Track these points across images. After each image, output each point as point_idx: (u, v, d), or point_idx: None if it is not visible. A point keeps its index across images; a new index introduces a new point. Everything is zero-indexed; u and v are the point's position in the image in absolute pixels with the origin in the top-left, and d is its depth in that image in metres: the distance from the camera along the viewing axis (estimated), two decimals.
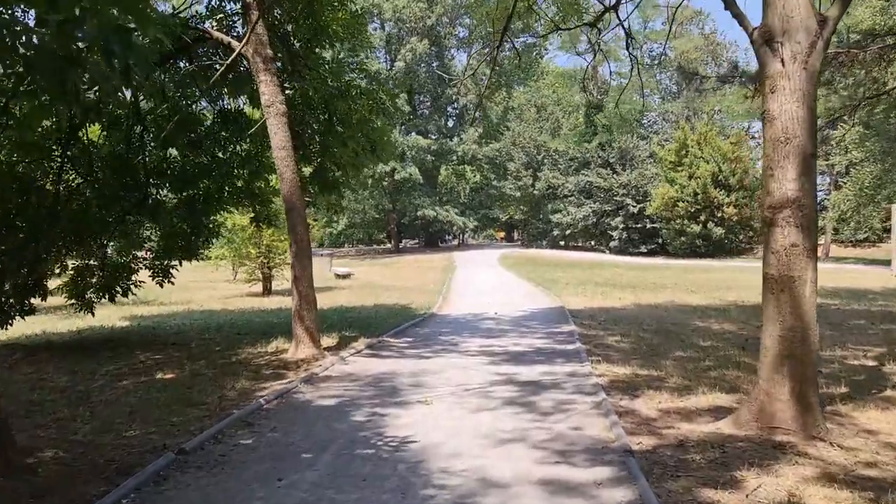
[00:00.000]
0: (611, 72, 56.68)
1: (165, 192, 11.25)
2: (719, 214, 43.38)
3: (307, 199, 11.15)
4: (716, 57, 53.86)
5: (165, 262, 11.78)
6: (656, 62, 54.33)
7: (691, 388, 7.36)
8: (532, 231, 59.69)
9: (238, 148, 11.24)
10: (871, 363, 8.87)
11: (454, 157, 54.11)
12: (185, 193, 11.12)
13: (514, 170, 54.00)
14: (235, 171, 11.25)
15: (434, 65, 53.71)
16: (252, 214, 11.47)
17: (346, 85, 10.00)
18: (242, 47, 8.79)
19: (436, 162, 53.50)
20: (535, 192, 53.10)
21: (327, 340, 10.89)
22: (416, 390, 7.42)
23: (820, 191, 47.62)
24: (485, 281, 25.99)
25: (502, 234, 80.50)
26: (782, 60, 5.64)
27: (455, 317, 14.84)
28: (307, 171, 10.89)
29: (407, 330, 12.57)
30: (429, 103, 56.08)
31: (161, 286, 11.96)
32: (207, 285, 24.44)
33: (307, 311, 9.49)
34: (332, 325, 12.74)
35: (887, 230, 45.30)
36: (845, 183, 37.06)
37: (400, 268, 37.73)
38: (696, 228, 43.27)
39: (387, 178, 50.53)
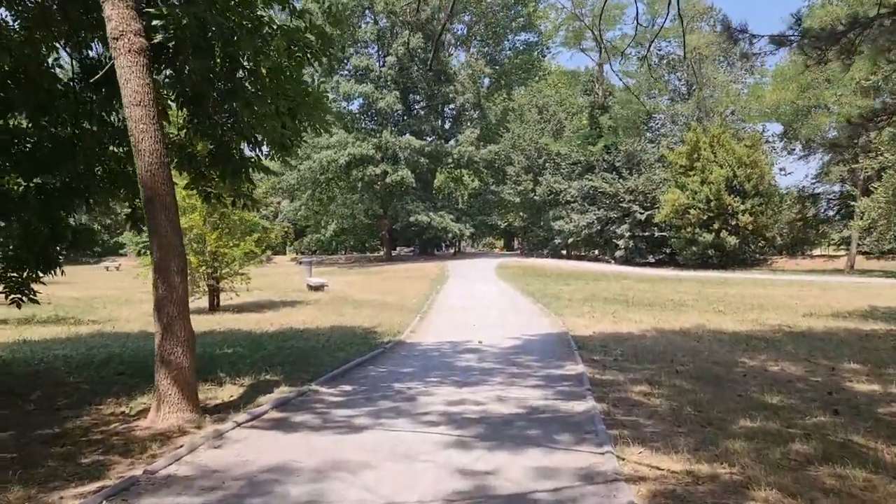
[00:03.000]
0: (611, 70, 53.65)
1: (11, 178, 7.98)
2: (734, 222, 40.12)
3: (207, 188, 7.86)
4: (728, 55, 50.70)
5: (24, 275, 8.53)
6: (665, 61, 51.33)
7: None
8: (532, 239, 56.39)
9: (114, 117, 7.97)
10: None
11: (450, 160, 50.90)
12: (38, 180, 7.86)
13: (514, 174, 50.76)
14: (110, 148, 8.01)
15: (429, 61, 50.54)
16: (129, 210, 8.14)
17: (253, 19, 6.72)
18: None
19: (430, 165, 50.30)
20: (535, 197, 49.85)
21: (230, 390, 7.63)
22: None
23: (846, 197, 44.38)
24: (476, 295, 22.70)
25: (501, 243, 77.27)
26: None
27: (427, 347, 11.52)
28: (201, 148, 7.61)
29: (355, 370, 9.25)
30: (423, 103, 52.91)
31: (19, 307, 8.70)
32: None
33: (178, 353, 6.19)
34: (257, 362, 9.46)
35: None
36: (876, 188, 33.76)
37: (386, 278, 34.44)
38: (709, 237, 39.99)
39: (378, 181, 47.31)
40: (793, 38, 10.27)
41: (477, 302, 20.31)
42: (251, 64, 6.99)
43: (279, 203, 60.22)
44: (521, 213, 53.52)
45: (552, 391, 7.84)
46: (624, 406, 7.10)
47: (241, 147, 7.51)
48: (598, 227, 46.98)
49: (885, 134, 31.50)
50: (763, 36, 10.21)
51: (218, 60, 6.99)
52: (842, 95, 37.94)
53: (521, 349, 11.11)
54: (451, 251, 64.31)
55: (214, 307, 17.19)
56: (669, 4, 7.61)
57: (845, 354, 10.16)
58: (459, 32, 59.23)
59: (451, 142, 52.60)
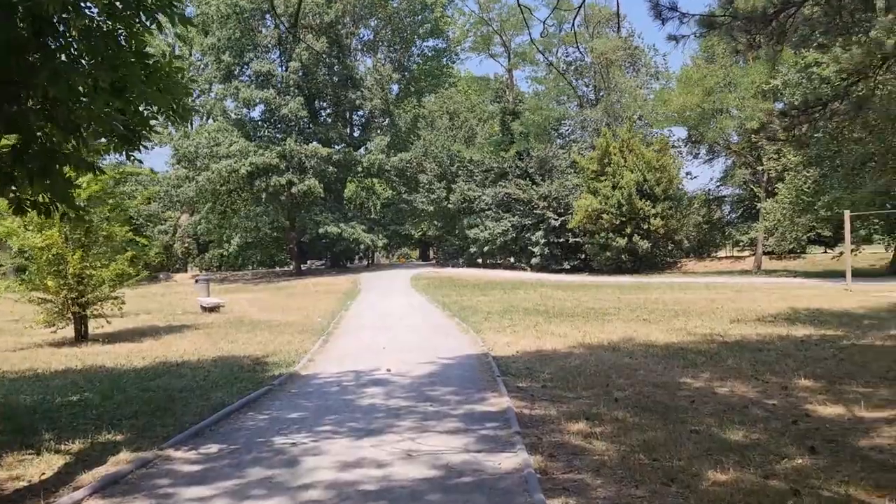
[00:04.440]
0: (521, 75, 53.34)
1: None
2: (645, 227, 40.14)
3: (20, 194, 5.93)
4: (634, 61, 51.30)
5: None
6: (573, 66, 51.37)
7: None
8: (448, 248, 55.32)
9: None
10: None
11: (360, 169, 49.08)
12: None
13: (427, 182, 49.47)
14: None
15: (335, 67, 48.68)
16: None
17: None
18: None
19: (340, 174, 48.27)
20: (449, 205, 48.71)
21: (47, 461, 5.75)
22: None
23: (750, 199, 45.37)
24: (389, 311, 21.09)
25: (416, 253, 75.88)
26: None
27: (326, 379, 9.83)
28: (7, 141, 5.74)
29: (229, 420, 7.46)
30: (330, 109, 50.92)
31: None
32: (12, 327, 18.03)
33: None
34: (104, 414, 7.55)
35: (812, 241, 43.41)
36: (780, 190, 34.35)
37: (293, 294, 32.31)
38: (622, 242, 39.84)
39: (284, 192, 44.89)
40: (723, 19, 9.29)
41: (389, 319, 18.70)
42: (62, 26, 5.20)
43: (178, 217, 56.62)
44: (435, 222, 52.28)
45: (474, 438, 6.35)
46: (563, 456, 5.69)
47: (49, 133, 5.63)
48: (514, 235, 46.26)
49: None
50: (694, 15, 9.17)
51: (19, 21, 5.15)
52: (744, 99, 38.61)
53: (437, 378, 9.60)
54: (365, 263, 62.34)
55: (81, 337, 14.82)
56: (576, 16, 6.33)
57: (791, 368, 9.19)
58: (366, 38, 57.65)
59: (361, 150, 50.78)
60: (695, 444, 5.84)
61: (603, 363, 10.13)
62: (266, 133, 47.15)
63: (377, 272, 46.52)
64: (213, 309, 21.94)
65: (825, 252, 43.69)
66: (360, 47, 57.12)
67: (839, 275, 29.29)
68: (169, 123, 6.63)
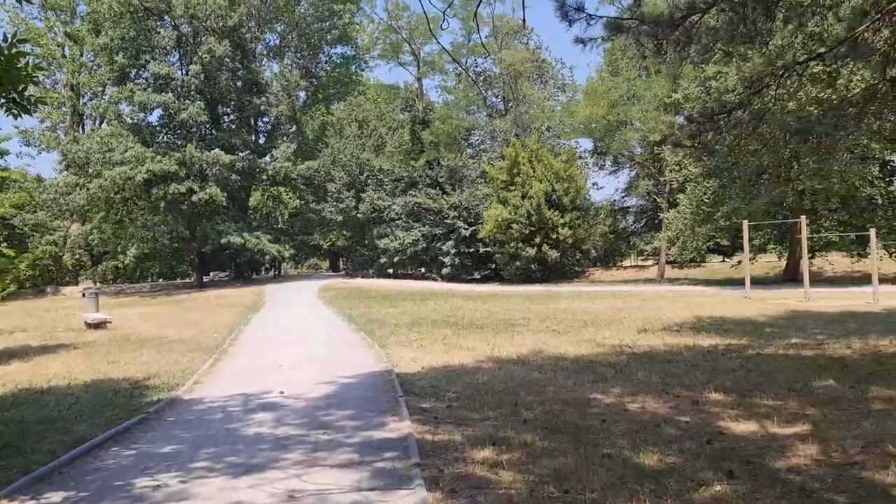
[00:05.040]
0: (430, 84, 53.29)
1: None
2: (554, 236, 40.52)
3: None
4: (542, 73, 52.00)
5: None
6: (482, 77, 51.56)
7: None
8: (357, 259, 54.27)
9: None
10: None
11: (265, 177, 47.43)
12: None
13: (335, 191, 48.33)
14: None
15: (240, 71, 46.94)
16: None
17: None
18: None
19: (244, 182, 46.45)
20: (359, 215, 47.73)
21: None
22: None
23: (656, 209, 46.61)
24: (292, 324, 20.07)
25: (326, 264, 74.30)
26: None
27: (211, 405, 8.90)
28: None
29: (87, 458, 6.48)
30: (234, 115, 49.03)
31: None
32: None
33: None
34: None
35: (711, 249, 45.08)
36: (681, 200, 35.39)
37: (193, 307, 30.58)
38: (531, 252, 40.05)
39: (184, 201, 42.68)
40: (630, 22, 9.05)
41: (291, 333, 17.73)
42: None
43: (68, 226, 53.02)
44: (344, 232, 51.16)
45: (368, 472, 5.67)
46: (466, 490, 5.10)
47: None
48: (424, 244, 45.79)
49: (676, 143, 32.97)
50: (601, 17, 8.88)
51: None
52: (646, 112, 39.67)
53: (335, 400, 8.85)
54: (272, 274, 60.35)
55: None
56: (479, 29, 5.84)
57: (700, 380, 8.98)
58: (272, 43, 56.04)
59: (267, 157, 49.16)
60: (608, 472, 5.38)
61: (512, 379, 9.66)
62: (165, 139, 44.82)
63: (284, 283, 44.95)
64: (98, 325, 20.25)
65: (724, 261, 45.41)
66: (265, 52, 55.49)
67: (737, 283, 30.34)
68: (7, 114, 5.66)
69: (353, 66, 59.41)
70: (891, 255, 33.04)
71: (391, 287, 38.12)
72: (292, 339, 16.21)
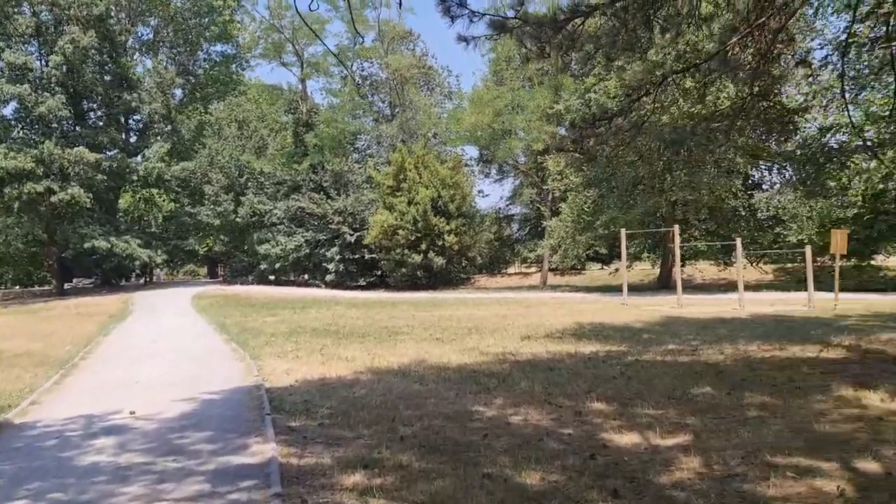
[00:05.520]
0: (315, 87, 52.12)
1: None
2: (440, 243, 40.47)
3: None
4: (428, 80, 52.01)
5: None
6: (368, 81, 50.98)
7: None
8: (237, 265, 52.04)
9: None
10: None
11: (136, 178, 44.54)
12: None
13: (213, 193, 46.14)
14: None
15: (108, 65, 43.89)
16: None
17: None
18: None
19: (111, 183, 43.35)
20: (238, 219, 45.80)
21: None
22: None
23: (539, 217, 47.54)
24: (158, 335, 18.61)
25: (205, 270, 70.89)
26: None
27: (46, 429, 7.79)
28: None
29: None
30: (101, 111, 45.78)
31: None
32: None
33: None
34: None
35: (591, 257, 46.55)
36: (563, 209, 36.24)
37: (50, 317, 28.02)
38: (418, 258, 39.80)
39: (43, 201, 39.24)
40: (514, 22, 8.79)
41: (157, 344, 16.38)
42: None
43: None
44: (222, 237, 48.95)
45: None
46: None
47: None
48: (307, 250, 44.54)
49: (569, 156, 33.86)
50: (484, 15, 8.55)
51: None
52: (530, 121, 40.41)
53: (192, 420, 7.98)
54: (143, 281, 56.80)
55: None
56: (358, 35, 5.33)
57: (582, 389, 8.81)
58: (145, 37, 52.97)
59: (138, 157, 46.24)
60: (488, 495, 4.95)
61: (391, 392, 9.13)
62: (20, 134, 41.15)
63: (156, 291, 42.29)
64: None
65: (602, 268, 46.98)
66: (138, 47, 52.38)
67: (615, 289, 31.31)
68: None
69: (234, 65, 57.22)
70: (752, 263, 35.18)
71: (272, 294, 36.65)
72: (155, 352, 14.93)
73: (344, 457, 6.13)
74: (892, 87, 17.28)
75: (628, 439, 6.42)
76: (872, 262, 31.46)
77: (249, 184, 46.19)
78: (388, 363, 11.80)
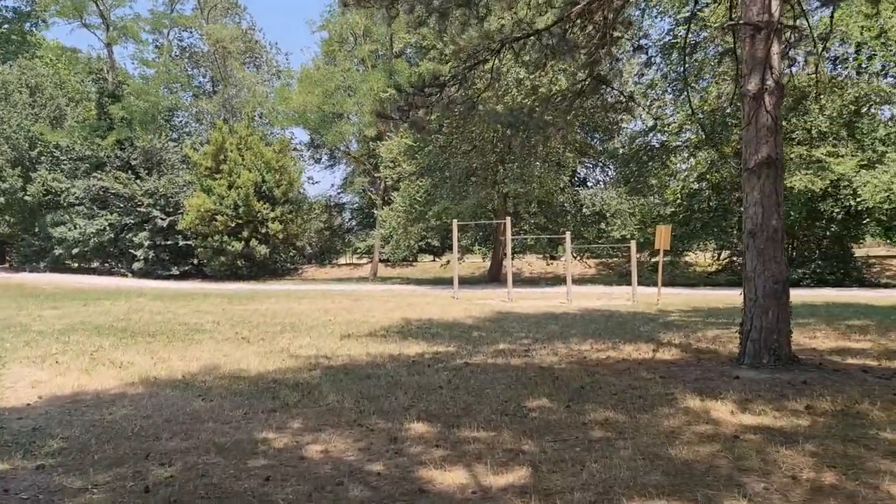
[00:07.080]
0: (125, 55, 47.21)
1: None
2: (264, 231, 37.79)
3: None
4: (255, 56, 48.69)
5: None
6: (187, 53, 46.81)
7: None
8: (26, 250, 45.69)
9: None
10: None
11: None
12: None
13: None
14: None
15: None
16: None
17: None
18: None
19: None
20: (27, 197, 40.03)
21: None
22: None
23: (371, 207, 46.00)
24: None
25: None
26: None
27: None
28: None
29: None
30: None
31: None
32: None
33: None
34: None
35: (423, 249, 45.85)
36: (395, 198, 34.98)
37: None
38: (238, 246, 36.87)
39: None
40: None
41: None
42: None
43: None
44: (7, 217, 42.63)
45: None
46: None
47: None
48: (112, 235, 39.89)
49: (401, 143, 32.60)
50: None
51: None
52: (362, 105, 38.69)
53: None
54: None
55: None
56: None
57: (402, 404, 7.33)
58: None
59: None
60: None
61: (160, 412, 7.12)
62: None
63: None
64: None
65: (434, 260, 46.42)
66: None
67: (446, 282, 30.52)
68: None
69: (29, 24, 50.29)
70: (577, 258, 35.96)
71: (65, 284, 32.16)
72: None
73: None
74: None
75: (452, 479, 4.99)
76: (686, 259, 33.17)
77: (42, 158, 40.56)
78: (172, 371, 9.66)
